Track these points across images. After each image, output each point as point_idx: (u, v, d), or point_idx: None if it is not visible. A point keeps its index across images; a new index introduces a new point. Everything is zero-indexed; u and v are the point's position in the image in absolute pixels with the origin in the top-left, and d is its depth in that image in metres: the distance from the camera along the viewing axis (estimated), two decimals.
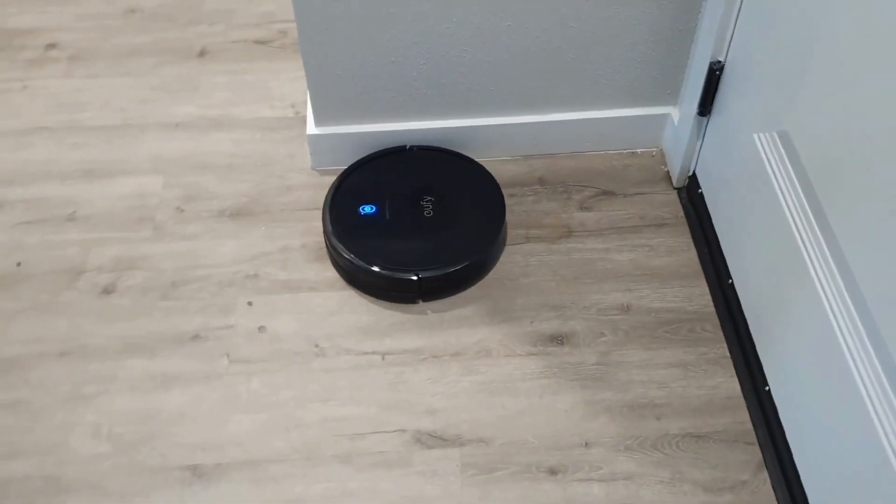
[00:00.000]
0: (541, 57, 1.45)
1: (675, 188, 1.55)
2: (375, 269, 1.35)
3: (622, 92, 1.53)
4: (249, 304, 1.38)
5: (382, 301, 1.38)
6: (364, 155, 1.52)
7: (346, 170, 1.50)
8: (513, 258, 1.43)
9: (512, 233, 1.47)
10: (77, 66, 1.77)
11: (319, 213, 1.50)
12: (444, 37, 1.40)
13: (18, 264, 1.43)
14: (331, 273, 1.42)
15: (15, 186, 1.54)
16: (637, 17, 1.39)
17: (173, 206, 1.51)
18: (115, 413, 1.25)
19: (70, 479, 1.18)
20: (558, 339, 1.33)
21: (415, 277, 1.34)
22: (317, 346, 1.33)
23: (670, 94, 1.54)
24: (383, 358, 1.31)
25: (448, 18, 1.37)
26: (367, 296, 1.38)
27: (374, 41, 1.39)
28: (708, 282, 1.40)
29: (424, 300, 1.38)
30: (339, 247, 1.37)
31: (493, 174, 1.49)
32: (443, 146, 1.55)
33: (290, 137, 1.63)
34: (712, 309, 1.37)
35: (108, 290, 1.39)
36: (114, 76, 1.74)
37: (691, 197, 1.51)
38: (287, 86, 1.73)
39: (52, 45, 1.81)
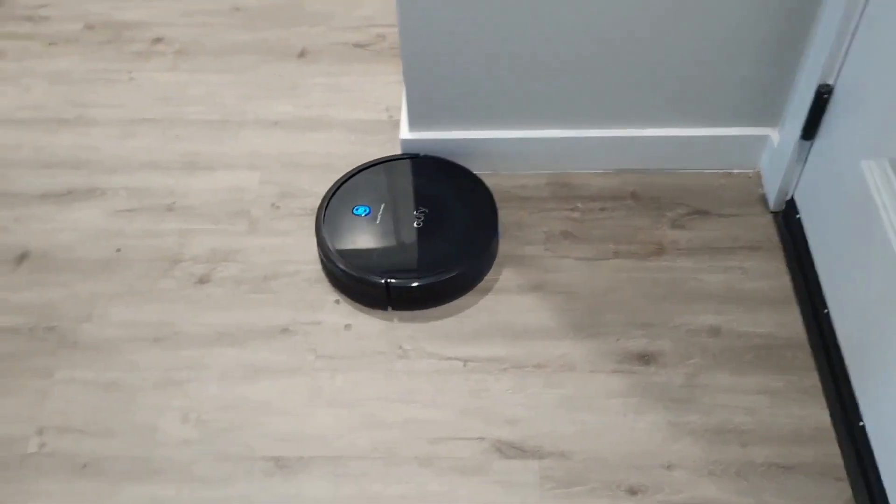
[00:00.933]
0: (640, 71, 1.43)
1: (770, 211, 1.51)
2: (343, 267, 1.36)
3: (721, 110, 1.50)
4: (336, 301, 1.40)
5: (469, 308, 1.38)
6: (451, 159, 1.53)
7: (357, 167, 1.52)
8: (601, 273, 1.42)
9: (601, 247, 1.46)
10: (182, 60, 1.82)
11: None
12: (542, 47, 1.40)
13: (118, 250, 1.48)
14: None
15: (118, 174, 1.60)
16: (744, 35, 1.37)
17: (268, 202, 1.55)
18: (204, 400, 1.28)
19: (157, 461, 1.22)
20: (645, 358, 1.31)
21: (383, 282, 1.34)
22: (400, 347, 1.34)
23: (772, 116, 1.50)
24: (465, 364, 1.31)
25: (550, 29, 1.37)
26: (452, 304, 1.39)
27: (475, 49, 1.40)
28: (801, 309, 1.37)
29: (395, 308, 1.38)
30: (323, 239, 1.40)
31: (583, 186, 1.48)
32: (534, 157, 1.55)
33: (382, 140, 1.65)
34: (804, 337, 1.33)
35: (202, 280, 1.43)
36: (217, 72, 1.79)
37: (788, 221, 1.47)
38: (382, 89, 1.76)
39: (158, 39, 1.87)
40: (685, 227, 1.49)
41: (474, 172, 1.52)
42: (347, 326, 1.37)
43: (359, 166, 1.53)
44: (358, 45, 1.85)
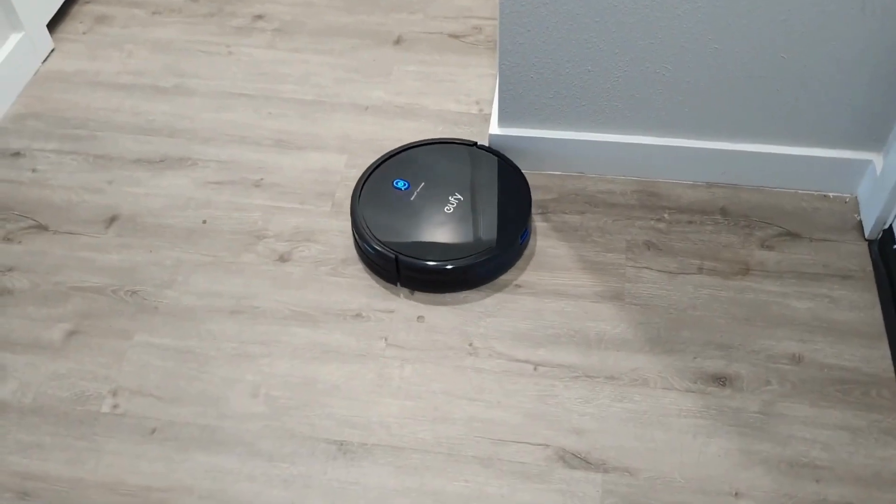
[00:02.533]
0: (743, 84, 1.39)
1: (866, 239, 1.45)
2: (362, 234, 1.38)
3: (822, 131, 1.44)
4: (411, 292, 1.40)
5: (545, 310, 1.37)
6: (538, 159, 1.52)
7: (412, 143, 1.53)
8: (683, 288, 1.39)
9: (684, 261, 1.42)
10: (281, 38, 1.85)
11: None
12: (645, 52, 1.37)
13: (204, 221, 1.51)
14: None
15: (211, 146, 1.63)
16: (857, 56, 1.31)
17: (353, 186, 1.55)
18: (275, 376, 1.30)
19: (225, 432, 1.24)
20: (721, 380, 1.27)
21: (392, 256, 1.34)
22: (471, 344, 1.33)
23: (876, 141, 1.44)
24: (535, 368, 1.30)
25: (653, 34, 1.34)
26: (527, 304, 1.38)
27: (574, 48, 1.38)
28: (891, 345, 1.31)
29: (403, 285, 1.39)
30: (355, 203, 1.43)
31: (671, 197, 1.44)
32: (623, 162, 1.52)
33: (471, 133, 1.64)
34: (892, 375, 1.28)
35: (283, 258, 1.45)
36: (314, 52, 1.81)
37: (884, 252, 1.41)
38: (474, 82, 1.75)
39: (259, 16, 1.90)
40: (774, 248, 1.44)
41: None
42: (420, 318, 1.37)
43: (414, 143, 1.54)
44: (454, 36, 1.85)
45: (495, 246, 1.38)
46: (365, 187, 1.46)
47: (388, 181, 1.47)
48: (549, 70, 1.42)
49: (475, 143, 1.54)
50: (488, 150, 1.53)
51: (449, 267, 1.36)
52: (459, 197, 1.44)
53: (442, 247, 1.38)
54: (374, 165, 1.50)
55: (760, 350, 1.31)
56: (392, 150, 1.53)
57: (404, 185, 1.45)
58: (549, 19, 1.34)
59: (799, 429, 1.22)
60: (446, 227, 1.41)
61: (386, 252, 1.36)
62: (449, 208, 1.42)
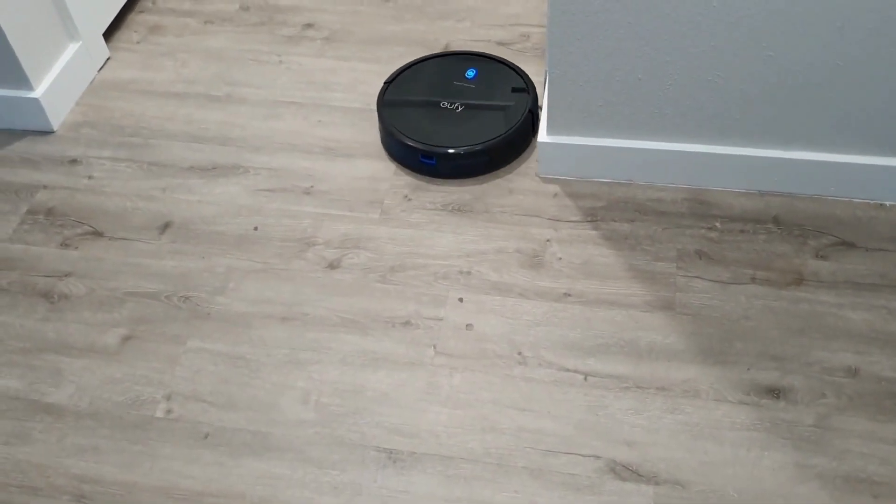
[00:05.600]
0: (797, 91, 1.37)
1: None
2: (387, 116, 1.60)
3: (878, 139, 1.42)
4: (460, 300, 1.40)
5: (595, 319, 1.36)
6: (587, 167, 1.51)
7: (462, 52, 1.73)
8: (735, 298, 1.37)
9: (737, 271, 1.41)
10: (330, 47, 1.86)
11: (538, 220, 1.50)
12: (697, 59, 1.35)
13: (255, 228, 1.53)
14: (542, 283, 1.42)
15: (262, 154, 1.65)
16: None
17: (402, 194, 1.56)
18: (325, 383, 1.31)
19: (275, 438, 1.25)
20: (775, 393, 1.26)
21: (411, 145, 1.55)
22: (520, 353, 1.33)
23: None
24: (586, 379, 1.29)
25: (705, 41, 1.32)
26: (576, 312, 1.37)
27: (624, 56, 1.37)
28: None
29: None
30: (386, 86, 1.66)
31: (722, 206, 1.43)
32: (673, 170, 1.51)
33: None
34: None
35: (333, 265, 1.46)
36: (363, 61, 1.82)
37: None
38: None
39: (309, 25, 1.92)
40: (829, 258, 1.42)
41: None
42: (469, 326, 1.37)
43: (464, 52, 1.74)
44: (501, 44, 1.84)
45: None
46: (397, 77, 1.69)
47: (460, 72, 1.69)
48: (599, 78, 1.41)
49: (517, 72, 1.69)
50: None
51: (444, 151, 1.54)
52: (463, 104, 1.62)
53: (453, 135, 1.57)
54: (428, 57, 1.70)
55: (815, 362, 1.29)
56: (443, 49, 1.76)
57: (473, 73, 1.67)
58: (600, 28, 1.33)
59: (856, 443, 1.20)
60: (451, 120, 1.60)
61: (411, 144, 1.56)
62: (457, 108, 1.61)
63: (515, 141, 1.59)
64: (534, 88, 1.65)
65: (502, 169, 1.59)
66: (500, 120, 1.59)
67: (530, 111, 1.60)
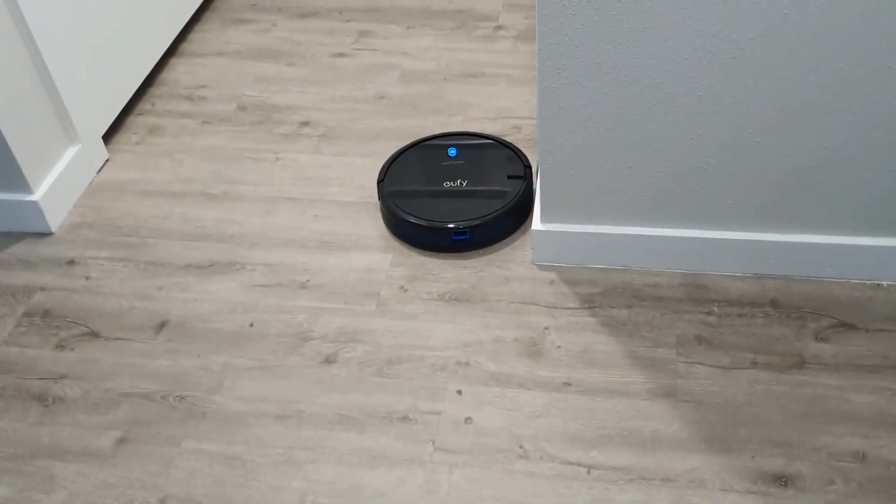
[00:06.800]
0: (787, 175, 1.38)
1: None
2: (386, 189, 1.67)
3: (872, 219, 1.42)
4: (459, 392, 1.39)
5: (596, 409, 1.34)
6: (583, 254, 1.52)
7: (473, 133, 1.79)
8: (737, 383, 1.35)
9: (737, 356, 1.39)
10: (326, 143, 1.89)
11: (536, 308, 1.50)
12: (686, 147, 1.37)
13: (251, 325, 1.52)
14: (542, 372, 1.40)
15: (258, 250, 1.66)
16: None
17: (398, 285, 1.56)
18: (322, 483, 1.28)
19: None
20: (782, 480, 1.23)
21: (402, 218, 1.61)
22: (521, 446, 1.31)
23: None
24: (589, 472, 1.26)
25: (693, 130, 1.35)
26: (577, 402, 1.35)
27: (613, 145, 1.39)
28: None
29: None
30: (388, 163, 1.73)
31: (720, 290, 1.42)
32: (668, 255, 1.51)
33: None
34: None
35: (329, 360, 1.45)
36: (358, 156, 1.85)
37: None
38: None
39: (305, 123, 1.96)
40: (829, 339, 1.41)
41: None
42: (468, 419, 1.35)
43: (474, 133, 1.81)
44: None
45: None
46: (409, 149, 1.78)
47: (443, 152, 1.76)
48: (590, 167, 1.43)
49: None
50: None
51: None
52: (464, 182, 1.68)
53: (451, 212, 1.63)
54: (423, 139, 1.78)
55: (821, 447, 1.26)
56: (446, 133, 1.83)
57: (454, 152, 1.74)
58: (588, 120, 1.36)
59: None
60: (454, 197, 1.65)
61: (404, 217, 1.61)
62: (458, 185, 1.68)
63: (529, 197, 1.67)
64: (511, 145, 1.76)
65: (498, 256, 1.60)
66: (507, 180, 1.68)
67: (526, 166, 1.69)
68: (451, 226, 1.59)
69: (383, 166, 1.73)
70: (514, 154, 1.73)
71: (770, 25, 1.21)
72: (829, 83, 1.26)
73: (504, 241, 1.63)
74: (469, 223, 1.59)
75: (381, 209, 1.67)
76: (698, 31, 1.23)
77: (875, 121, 1.29)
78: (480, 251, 1.61)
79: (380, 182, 1.69)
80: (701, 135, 1.35)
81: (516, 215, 1.64)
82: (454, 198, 1.64)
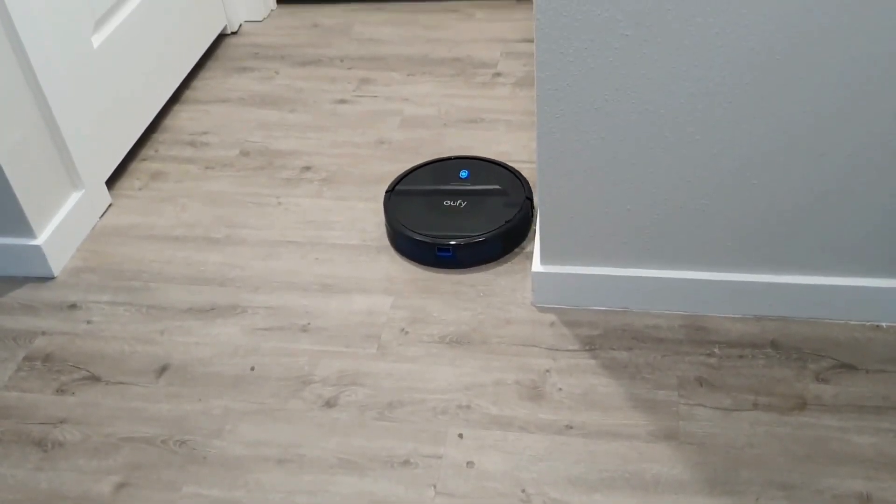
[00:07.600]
0: (786, 217, 1.40)
1: None
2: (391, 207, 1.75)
3: (870, 260, 1.43)
4: (460, 436, 1.38)
5: (599, 452, 1.33)
6: (583, 296, 1.52)
7: (481, 158, 1.87)
8: (739, 425, 1.35)
9: (738, 397, 1.39)
10: (328, 187, 1.91)
11: (537, 350, 1.50)
12: (684, 189, 1.39)
13: (252, 368, 1.52)
14: (544, 415, 1.40)
15: (259, 293, 1.67)
16: None
17: (398, 328, 1.56)
18: None
19: None
20: None
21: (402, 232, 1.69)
22: (523, 490, 1.30)
23: None
24: None
25: (690, 172, 1.36)
26: (579, 445, 1.35)
27: (612, 188, 1.40)
28: None
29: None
30: (398, 180, 1.82)
31: (720, 331, 1.43)
32: (669, 297, 1.52)
33: (513, 271, 1.66)
34: None
35: (330, 404, 1.45)
36: (360, 199, 1.87)
37: None
38: None
39: (307, 168, 1.98)
40: (830, 381, 1.41)
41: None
42: (469, 464, 1.34)
43: (482, 158, 1.89)
44: None
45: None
46: (416, 170, 1.87)
47: (455, 172, 1.84)
48: (589, 210, 1.44)
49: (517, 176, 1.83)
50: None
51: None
52: (464, 202, 1.75)
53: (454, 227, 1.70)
54: (433, 161, 1.86)
55: (825, 489, 1.25)
56: (453, 156, 1.91)
57: (465, 174, 1.81)
58: (586, 163, 1.37)
59: None
60: (453, 215, 1.73)
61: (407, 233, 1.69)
62: (460, 204, 1.75)
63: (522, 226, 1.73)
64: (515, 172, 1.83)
65: (498, 298, 1.61)
66: (503, 207, 1.74)
67: (527, 198, 1.75)
68: (437, 242, 1.65)
69: (395, 178, 1.82)
70: (520, 184, 1.78)
71: (765, 70, 1.23)
72: (825, 125, 1.28)
73: (504, 281, 1.64)
74: (455, 242, 1.64)
75: (384, 218, 1.75)
76: (694, 76, 1.25)
77: (871, 162, 1.31)
78: (481, 293, 1.62)
79: (388, 192, 1.76)
80: (698, 177, 1.36)
81: (504, 242, 1.68)
82: (449, 216, 1.71)
